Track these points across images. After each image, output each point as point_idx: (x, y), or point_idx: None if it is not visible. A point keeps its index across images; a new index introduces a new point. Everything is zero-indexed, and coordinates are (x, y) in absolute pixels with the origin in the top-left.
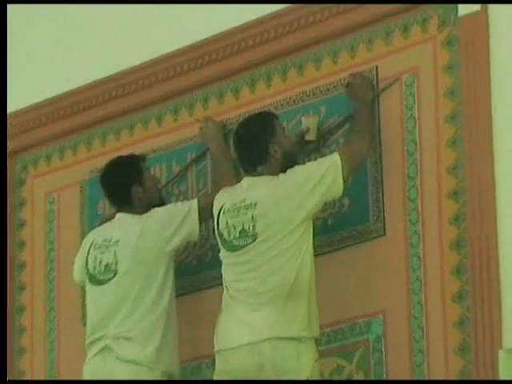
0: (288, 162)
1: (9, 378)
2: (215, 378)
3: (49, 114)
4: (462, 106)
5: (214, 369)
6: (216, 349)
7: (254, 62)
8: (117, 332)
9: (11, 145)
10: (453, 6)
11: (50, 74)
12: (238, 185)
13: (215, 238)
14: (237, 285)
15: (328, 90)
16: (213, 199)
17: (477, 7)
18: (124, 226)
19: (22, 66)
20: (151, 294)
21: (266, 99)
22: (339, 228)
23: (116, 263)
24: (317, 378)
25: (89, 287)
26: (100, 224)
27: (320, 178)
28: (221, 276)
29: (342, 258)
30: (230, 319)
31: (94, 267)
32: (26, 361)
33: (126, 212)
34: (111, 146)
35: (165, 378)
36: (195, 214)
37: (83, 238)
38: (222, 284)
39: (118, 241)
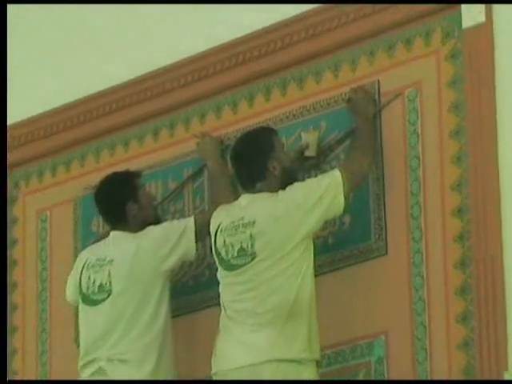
0: (287, 179)
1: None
2: None
3: (41, 129)
4: (466, 121)
5: None
6: (214, 371)
7: (253, 76)
8: (111, 354)
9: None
10: (457, 18)
11: (43, 88)
12: (236, 202)
13: (212, 256)
14: (235, 305)
15: (328, 104)
16: (210, 217)
17: (481, 19)
18: (118, 245)
19: (16, 80)
20: (146, 314)
21: (265, 114)
22: (340, 247)
23: (110, 283)
24: None
25: (82, 307)
26: (94, 242)
27: (320, 196)
28: (218, 296)
29: (343, 278)
30: (228, 340)
31: (88, 287)
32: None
33: (120, 230)
34: (105, 162)
35: None
36: (191, 233)
37: (76, 256)
38: (219, 304)
39: (113, 260)
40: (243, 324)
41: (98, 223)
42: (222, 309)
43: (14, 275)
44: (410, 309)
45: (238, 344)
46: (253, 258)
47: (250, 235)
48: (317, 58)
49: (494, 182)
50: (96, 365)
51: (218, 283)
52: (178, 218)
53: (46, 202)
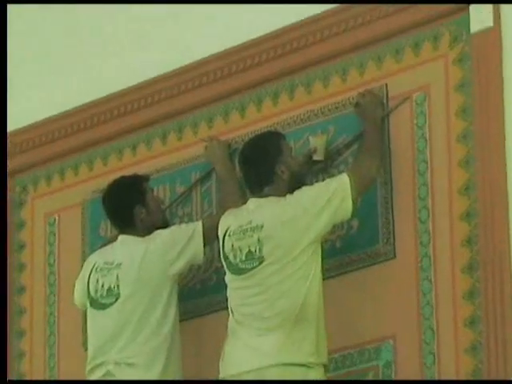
0: (295, 183)
1: None
2: None
3: (49, 133)
4: (474, 125)
5: None
6: (221, 375)
7: (261, 80)
8: (119, 358)
9: (10, 164)
10: (465, 22)
11: (51, 92)
12: (244, 206)
13: (220, 260)
14: (243, 309)
15: (336, 108)
16: (218, 221)
17: (489, 23)
18: (126, 249)
19: (23, 83)
20: (154, 318)
21: (273, 118)
22: (348, 251)
23: (118, 287)
24: None
25: (90, 311)
26: (102, 246)
27: (328, 200)
28: (226, 300)
29: (351, 282)
30: (235, 344)
31: (96, 291)
32: None
33: (128, 234)
34: (113, 166)
35: None
36: (200, 237)
37: (84, 260)
38: (227, 308)
39: (121, 264)
40: (251, 328)
41: (106, 227)
42: (230, 313)
43: (22, 279)
44: (417, 313)
45: (246, 348)
46: (261, 262)
47: (258, 239)
48: (325, 62)
49: (502, 185)
50: (104, 368)
51: (226, 287)
52: (186, 222)
53: (54, 205)
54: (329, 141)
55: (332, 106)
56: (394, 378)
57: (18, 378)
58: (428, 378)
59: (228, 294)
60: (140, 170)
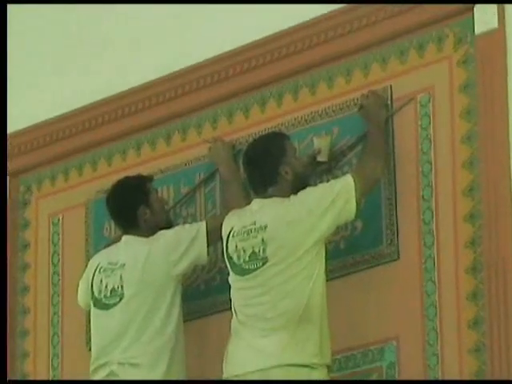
0: (299, 184)
1: None
2: None
3: (54, 133)
4: (478, 127)
5: None
6: (225, 375)
7: (265, 81)
8: (122, 358)
9: (14, 165)
10: (469, 23)
11: (55, 92)
12: (248, 207)
13: (224, 261)
14: (246, 310)
15: (341, 109)
16: (222, 221)
17: (494, 24)
18: (130, 249)
19: (26, 83)
20: (158, 319)
21: (277, 119)
22: (352, 252)
23: (122, 287)
24: None
25: (94, 312)
26: (106, 246)
27: (332, 200)
28: (229, 300)
29: (355, 283)
30: (238, 345)
31: (100, 291)
32: None
33: (132, 234)
34: (117, 167)
35: None
36: (203, 237)
37: (88, 260)
38: (230, 309)
39: (124, 264)
40: (254, 328)
41: (109, 227)
42: (233, 313)
43: (26, 279)
44: (421, 314)
45: (249, 349)
46: (264, 263)
47: (262, 240)
48: (329, 63)
49: (506, 187)
50: (108, 369)
51: (230, 288)
52: (190, 223)
53: (58, 205)
54: (333, 142)
55: (336, 107)
56: (397, 379)
57: (22, 378)
58: (431, 379)
59: (231, 295)
60: (144, 170)
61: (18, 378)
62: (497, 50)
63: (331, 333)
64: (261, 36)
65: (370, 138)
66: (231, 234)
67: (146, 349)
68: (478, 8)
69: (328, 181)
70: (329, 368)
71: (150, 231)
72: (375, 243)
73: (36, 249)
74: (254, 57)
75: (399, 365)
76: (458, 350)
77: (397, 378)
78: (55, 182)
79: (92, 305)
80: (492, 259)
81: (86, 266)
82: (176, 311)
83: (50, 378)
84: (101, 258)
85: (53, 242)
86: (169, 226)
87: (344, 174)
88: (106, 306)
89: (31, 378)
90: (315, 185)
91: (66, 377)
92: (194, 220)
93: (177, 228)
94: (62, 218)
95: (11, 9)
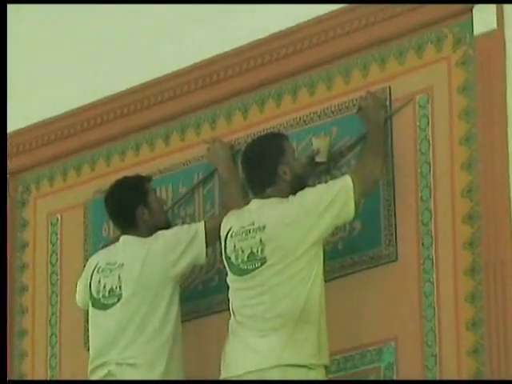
0: (298, 184)
1: None
2: None
3: (52, 133)
4: (477, 128)
5: None
6: (223, 376)
7: (264, 81)
8: (120, 358)
9: (13, 164)
10: (468, 24)
11: (54, 92)
12: (246, 207)
13: (222, 261)
14: (244, 310)
15: (339, 110)
16: (220, 221)
17: (493, 25)
18: (129, 249)
19: (26, 83)
20: (156, 319)
21: (276, 119)
22: (350, 252)
23: (120, 287)
24: None
25: (92, 312)
26: (104, 247)
27: (331, 201)
28: (227, 301)
29: (353, 284)
30: (237, 345)
31: (98, 291)
32: None
33: (130, 234)
34: (116, 167)
35: None
36: (202, 237)
37: (86, 260)
38: (228, 309)
39: (123, 264)
40: (252, 329)
41: (108, 227)
42: (231, 314)
43: (24, 278)
44: (419, 315)
45: (247, 349)
46: (262, 263)
47: (260, 240)
48: (328, 64)
49: (505, 188)
50: (105, 369)
51: (228, 288)
52: (189, 223)
53: (57, 205)
54: (332, 142)
55: (335, 108)
56: (395, 380)
57: (20, 378)
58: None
59: (230, 295)
60: (143, 170)
61: (16, 378)
62: (496, 51)
63: (329, 333)
64: (260, 36)
65: (369, 139)
66: (230, 234)
67: (144, 349)
68: (477, 9)
69: (327, 181)
70: (327, 369)
71: (148, 231)
72: (373, 244)
73: (34, 249)
74: (252, 57)
75: (397, 366)
76: (457, 351)
77: (395, 378)
78: (54, 181)
79: (90, 305)
80: (490, 260)
81: (85, 265)
82: (174, 311)
83: (48, 378)
84: (99, 258)
85: (51, 242)
86: (167, 226)
87: (343, 174)
88: (104, 306)
89: (29, 377)
90: (314, 185)
91: (64, 377)
92: (193, 220)
93: (175, 228)
94: (61, 218)
95: (11, 9)
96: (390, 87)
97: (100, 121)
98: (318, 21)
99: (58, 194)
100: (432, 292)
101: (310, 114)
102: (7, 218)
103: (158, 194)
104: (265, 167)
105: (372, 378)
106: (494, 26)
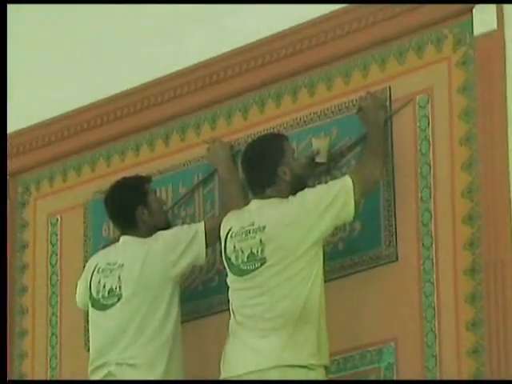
0: (298, 185)
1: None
2: None
3: (52, 133)
4: (477, 128)
5: None
6: (223, 376)
7: (264, 82)
8: (120, 358)
9: (13, 165)
10: (468, 25)
11: (54, 92)
12: (246, 208)
13: (222, 262)
14: (244, 310)
15: (339, 110)
16: (220, 222)
17: (493, 26)
18: (128, 250)
19: (25, 83)
20: (156, 319)
21: (276, 120)
22: (350, 253)
23: (120, 288)
24: None
25: (92, 312)
26: (104, 247)
27: (331, 202)
28: (227, 301)
29: (353, 284)
30: (236, 346)
31: (98, 291)
32: None
33: (130, 235)
34: (116, 167)
35: None
36: (202, 238)
37: (86, 261)
38: (228, 309)
39: (123, 265)
40: (252, 329)
41: (108, 228)
42: (231, 314)
43: (24, 279)
44: (419, 315)
45: (247, 349)
46: (262, 264)
47: (260, 241)
48: (328, 65)
49: (505, 188)
50: (105, 369)
51: (228, 288)
52: (189, 223)
53: (57, 206)
54: (332, 143)
55: (335, 108)
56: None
57: (20, 379)
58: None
59: (230, 296)
60: (142, 171)
61: (16, 378)
62: (496, 51)
63: (329, 334)
64: (260, 37)
65: (369, 140)
66: (229, 234)
67: (144, 349)
68: (477, 9)
69: (327, 182)
70: (327, 369)
71: (148, 232)
72: (374, 244)
73: (34, 249)
74: (252, 58)
75: (397, 366)
76: (457, 351)
77: (395, 379)
78: (54, 182)
79: (90, 305)
80: (490, 261)
81: (85, 266)
82: (174, 312)
83: (48, 379)
84: (99, 259)
85: (51, 243)
86: (167, 226)
87: (343, 175)
88: (104, 307)
89: (29, 378)
90: (314, 186)
91: (65, 377)
92: (193, 221)
93: (175, 229)
94: (61, 219)
95: (11, 9)
96: (390, 87)
97: (100, 121)
98: (317, 21)
99: (57, 195)
100: (432, 292)
101: (310, 114)
102: (7, 218)
103: (157, 194)
104: (265, 168)
105: (372, 378)
106: (494, 26)
